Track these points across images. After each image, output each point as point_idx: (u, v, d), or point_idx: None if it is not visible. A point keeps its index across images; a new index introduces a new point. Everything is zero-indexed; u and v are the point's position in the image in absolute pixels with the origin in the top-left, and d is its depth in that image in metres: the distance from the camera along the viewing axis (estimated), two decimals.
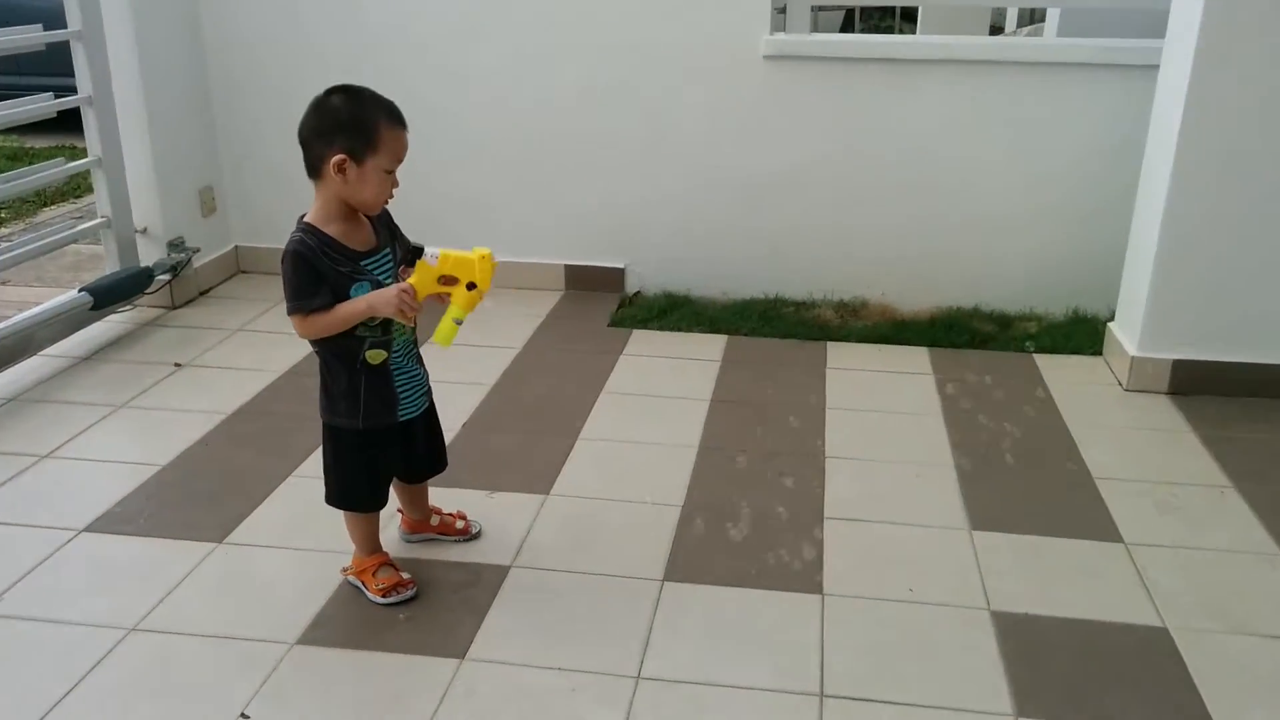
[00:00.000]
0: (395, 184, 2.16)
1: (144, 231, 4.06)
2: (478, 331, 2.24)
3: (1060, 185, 3.96)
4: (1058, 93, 3.86)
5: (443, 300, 2.20)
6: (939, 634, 2.31)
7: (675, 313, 4.07)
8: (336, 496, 2.37)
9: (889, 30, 10.86)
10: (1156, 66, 3.51)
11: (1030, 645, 2.27)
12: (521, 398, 3.42)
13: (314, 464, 2.94)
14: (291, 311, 2.14)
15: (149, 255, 4.06)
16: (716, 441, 3.13)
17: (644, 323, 4.01)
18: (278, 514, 2.74)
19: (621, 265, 4.31)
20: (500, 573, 2.50)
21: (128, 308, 4.00)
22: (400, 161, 2.14)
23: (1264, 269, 3.32)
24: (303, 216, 2.18)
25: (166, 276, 4.05)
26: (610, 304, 4.20)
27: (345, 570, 2.45)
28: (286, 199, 3.92)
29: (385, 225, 2.25)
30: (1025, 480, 2.95)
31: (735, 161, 4.09)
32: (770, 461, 3.02)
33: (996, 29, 9.14)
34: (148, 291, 3.98)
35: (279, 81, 4.21)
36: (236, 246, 4.52)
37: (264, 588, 2.45)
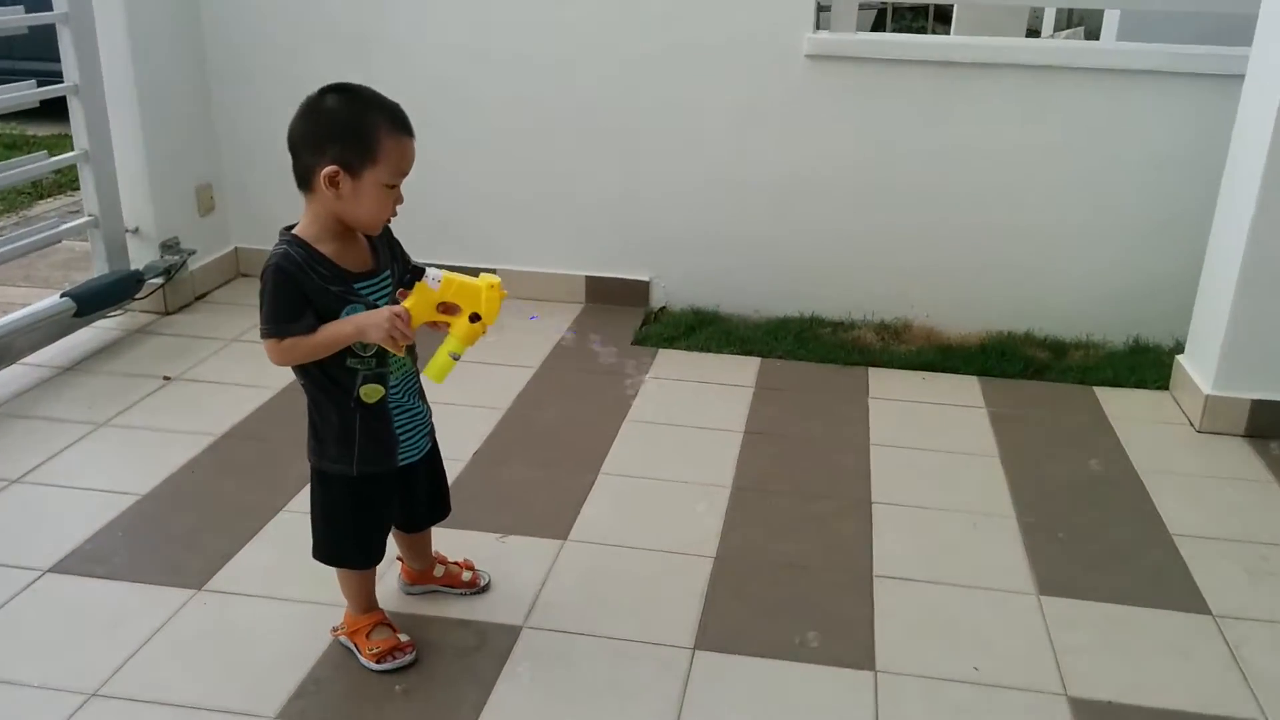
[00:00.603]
0: (399, 200, 1.87)
1: (135, 231, 3.78)
2: (492, 348, 1.97)
3: (1122, 202, 3.66)
4: (1121, 101, 3.55)
5: (439, 329, 1.92)
6: None
7: (704, 331, 3.78)
8: (326, 551, 2.09)
9: (921, 31, 10.53)
10: (1233, 76, 3.22)
11: None
12: (537, 425, 3.13)
13: (308, 498, 2.67)
14: (266, 335, 1.86)
15: (141, 257, 3.79)
16: (751, 481, 2.84)
17: (670, 341, 3.72)
18: (264, 556, 2.46)
19: (647, 278, 4.02)
20: (510, 634, 2.21)
21: (118, 312, 3.73)
22: (404, 175, 1.85)
23: None
24: (289, 227, 1.90)
25: (159, 280, 3.78)
26: (634, 319, 3.91)
27: (336, 630, 2.17)
28: (293, 197, 3.66)
29: (386, 244, 1.97)
30: (1094, 535, 2.65)
31: (772, 167, 3.80)
32: (811, 506, 2.73)
33: (1033, 32, 8.85)
34: (137, 297, 3.71)
35: (285, 66, 3.91)
36: (237, 248, 4.24)
37: (245, 646, 2.17)
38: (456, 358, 1.89)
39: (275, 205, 4.15)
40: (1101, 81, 3.55)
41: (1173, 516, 2.74)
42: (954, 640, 2.25)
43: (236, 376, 3.37)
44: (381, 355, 1.92)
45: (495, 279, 1.87)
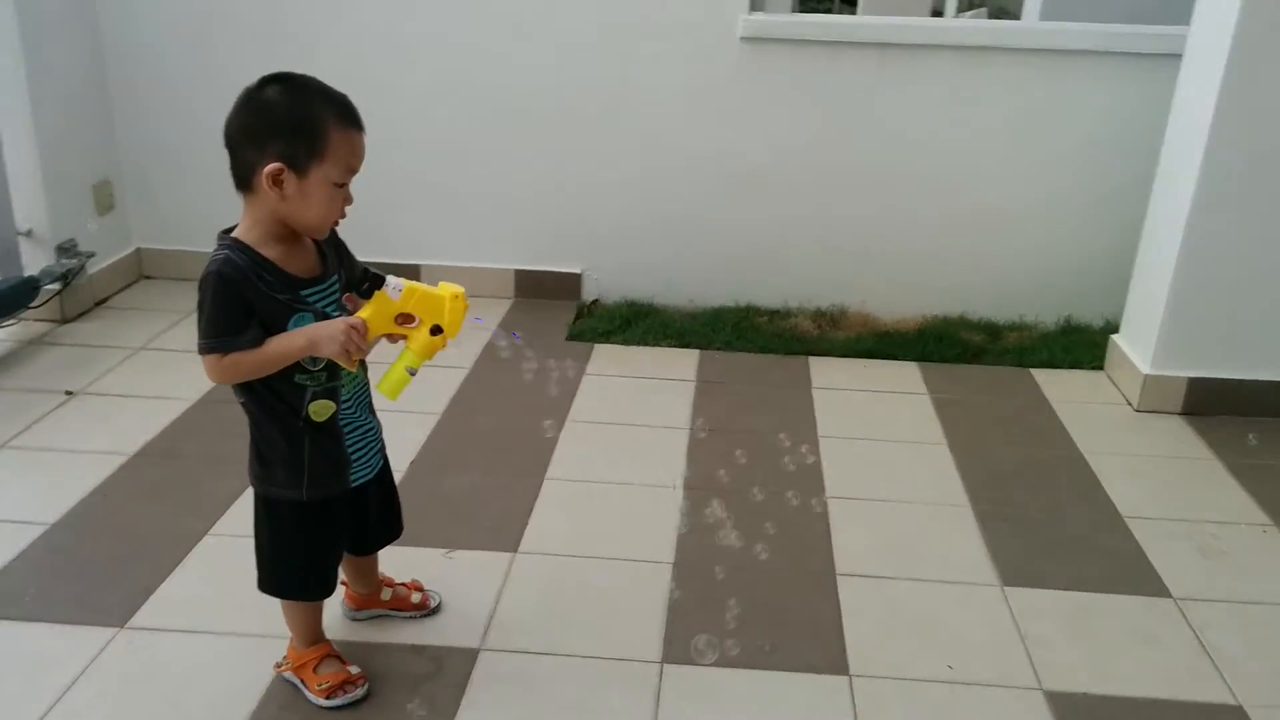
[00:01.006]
0: (348, 200, 1.73)
1: (28, 234, 3.52)
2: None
3: (1055, 182, 3.66)
4: (1056, 82, 3.55)
5: (395, 341, 1.78)
6: None
7: (640, 324, 3.68)
8: (274, 583, 1.93)
9: (826, 12, 10.54)
10: (1169, 55, 3.23)
11: None
12: (476, 429, 2.99)
13: (236, 519, 2.51)
14: (206, 350, 1.69)
15: (35, 261, 3.53)
16: (703, 480, 2.76)
17: (606, 335, 3.61)
18: (193, 586, 2.29)
19: (578, 270, 3.90)
20: (468, 658, 2.09)
21: (11, 322, 3.47)
22: (354, 172, 1.70)
23: None
24: (227, 231, 1.73)
25: (56, 286, 3.52)
26: (566, 314, 3.79)
27: (280, 665, 2.01)
28: (198, 193, 3.46)
29: (333, 248, 1.81)
30: (1050, 522, 2.63)
31: (704, 154, 3.71)
32: (767, 504, 2.65)
33: (936, 13, 8.91)
34: (32, 305, 3.45)
35: (187, 55, 3.67)
36: (139, 249, 3.98)
37: (178, 688, 1.99)
38: (414, 373, 1.75)
39: (181, 202, 3.96)
40: (1036, 62, 3.54)
41: (1122, 499, 2.74)
42: (924, 638, 2.20)
43: (146, 388, 3.15)
44: (333, 369, 1.77)
45: (459, 289, 1.74)
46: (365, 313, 1.71)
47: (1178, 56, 3.15)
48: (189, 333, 3.48)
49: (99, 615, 2.17)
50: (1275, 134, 2.90)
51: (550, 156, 3.76)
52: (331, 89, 1.69)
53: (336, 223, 1.73)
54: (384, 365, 1.78)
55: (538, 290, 3.90)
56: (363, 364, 1.84)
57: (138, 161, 3.86)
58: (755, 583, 2.35)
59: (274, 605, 1.99)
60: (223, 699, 1.96)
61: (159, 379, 3.20)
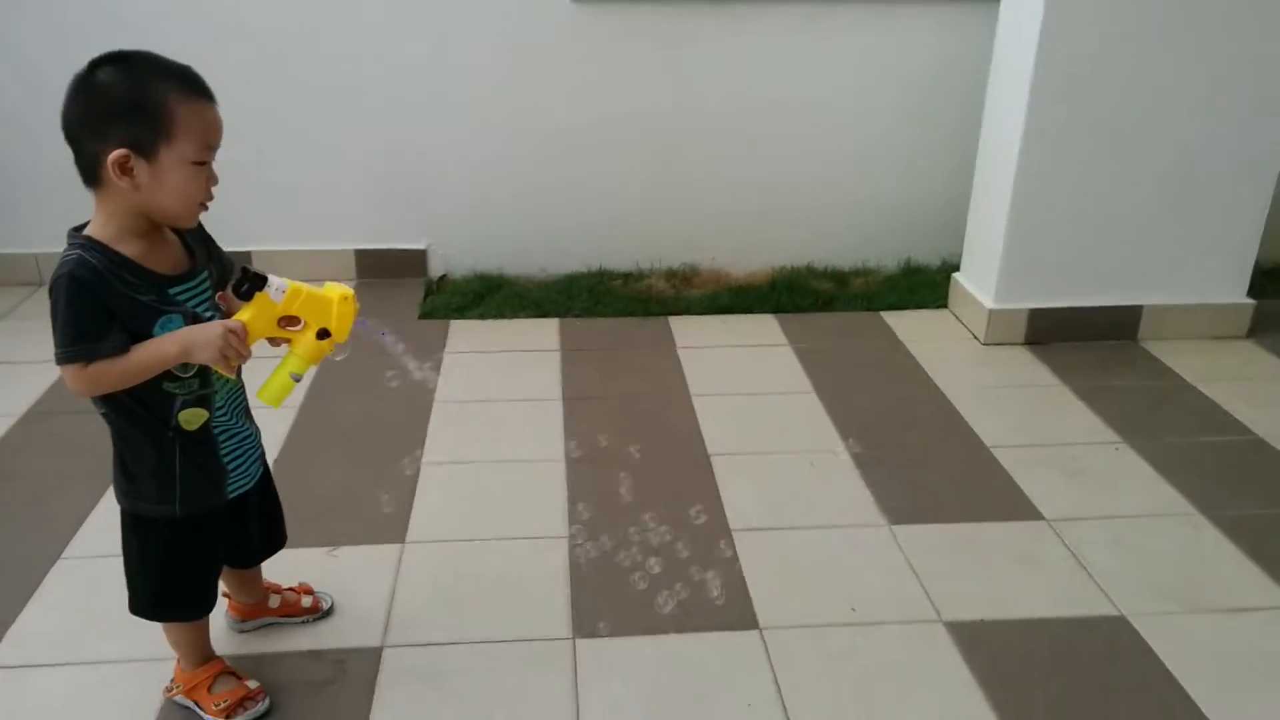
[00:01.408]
0: (212, 179, 1.58)
1: None
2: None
3: (888, 131, 3.77)
4: (884, 31, 3.63)
5: (277, 345, 1.66)
6: (900, 661, 2.01)
7: (493, 297, 3.59)
8: (149, 605, 1.78)
9: None
10: None
11: (997, 659, 2.01)
12: (339, 419, 2.86)
13: (90, 539, 2.33)
14: (65, 360, 1.53)
15: None
16: (584, 450, 2.71)
17: (460, 311, 3.51)
18: (54, 616, 2.10)
19: (422, 246, 3.77)
20: (371, 658, 1.99)
21: None
22: (213, 147, 1.55)
23: (1115, 209, 3.23)
24: (78, 228, 1.57)
25: None
26: (415, 292, 3.66)
27: (169, 689, 1.87)
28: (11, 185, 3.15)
29: (200, 241, 1.67)
30: (922, 459, 2.72)
31: (545, 119, 3.63)
32: (651, 468, 2.64)
33: None
34: None
35: None
36: None
37: None
38: (298, 379, 1.63)
39: None
40: (864, 12, 3.60)
41: (985, 430, 2.85)
42: (824, 584, 2.23)
43: None
44: (205, 375, 1.63)
45: (348, 290, 1.62)
46: (245, 315, 1.57)
47: None
48: (2, 342, 3.21)
49: None
50: (1096, 66, 3.04)
51: (381, 130, 3.61)
52: (171, 61, 1.53)
53: (204, 207, 1.59)
54: (264, 365, 1.66)
55: (381, 270, 3.75)
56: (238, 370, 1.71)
57: None
58: (653, 548, 2.33)
59: (148, 627, 1.84)
60: None
61: None
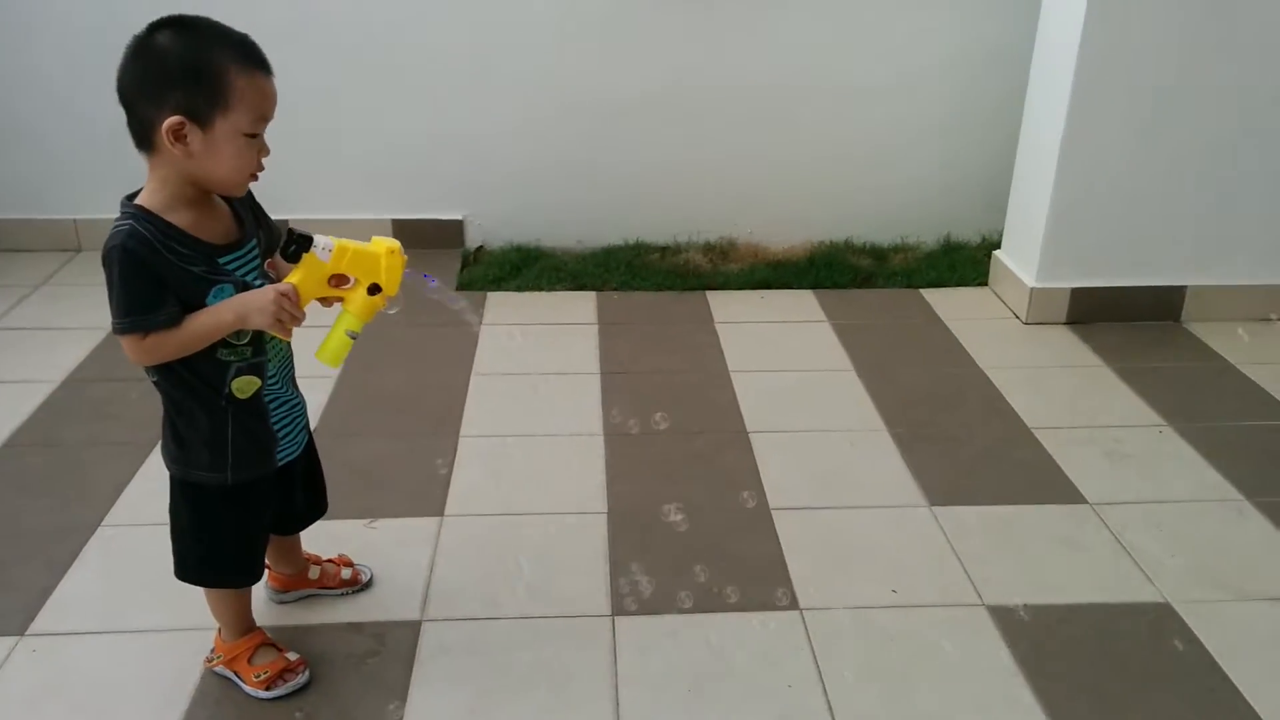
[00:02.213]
0: (264, 151, 1.57)
1: None
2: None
3: (929, 105, 3.71)
4: (925, 4, 3.56)
5: (329, 305, 1.65)
6: (942, 645, 1.99)
7: (530, 268, 3.57)
8: (198, 572, 1.78)
9: None
10: None
11: (1041, 645, 1.99)
12: (379, 389, 2.85)
13: (130, 508, 2.34)
14: (124, 331, 1.52)
15: None
16: (622, 425, 2.70)
17: (497, 283, 3.49)
18: (95, 583, 2.11)
19: (460, 216, 3.75)
20: (411, 631, 1.99)
21: None
22: (267, 119, 1.54)
23: (1160, 189, 3.16)
24: (130, 196, 1.56)
25: None
26: (453, 263, 3.65)
27: (210, 659, 1.88)
28: (34, 157, 3.16)
29: (249, 209, 1.66)
30: (964, 439, 2.69)
31: (582, 90, 3.60)
32: (690, 444, 2.62)
33: None
34: None
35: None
36: None
37: (99, 695, 1.84)
38: (355, 336, 1.62)
39: (12, 166, 3.61)
40: None
41: (1026, 411, 2.81)
42: (865, 565, 2.21)
43: (4, 371, 2.88)
44: (258, 343, 1.63)
45: (394, 243, 1.61)
46: (295, 277, 1.57)
47: None
48: (40, 307, 3.22)
49: None
50: (1143, 43, 2.98)
51: (421, 103, 3.60)
52: (231, 29, 1.53)
53: (254, 178, 1.57)
54: (314, 335, 1.65)
55: (419, 240, 3.71)
56: None
57: None
58: (692, 525, 2.32)
59: (189, 597, 1.85)
60: (151, 701, 1.82)
61: (17, 361, 2.94)
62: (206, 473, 1.67)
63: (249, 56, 1.50)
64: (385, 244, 1.60)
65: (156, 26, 1.47)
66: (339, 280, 1.61)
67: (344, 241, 1.59)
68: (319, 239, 1.57)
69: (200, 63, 1.46)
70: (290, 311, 1.54)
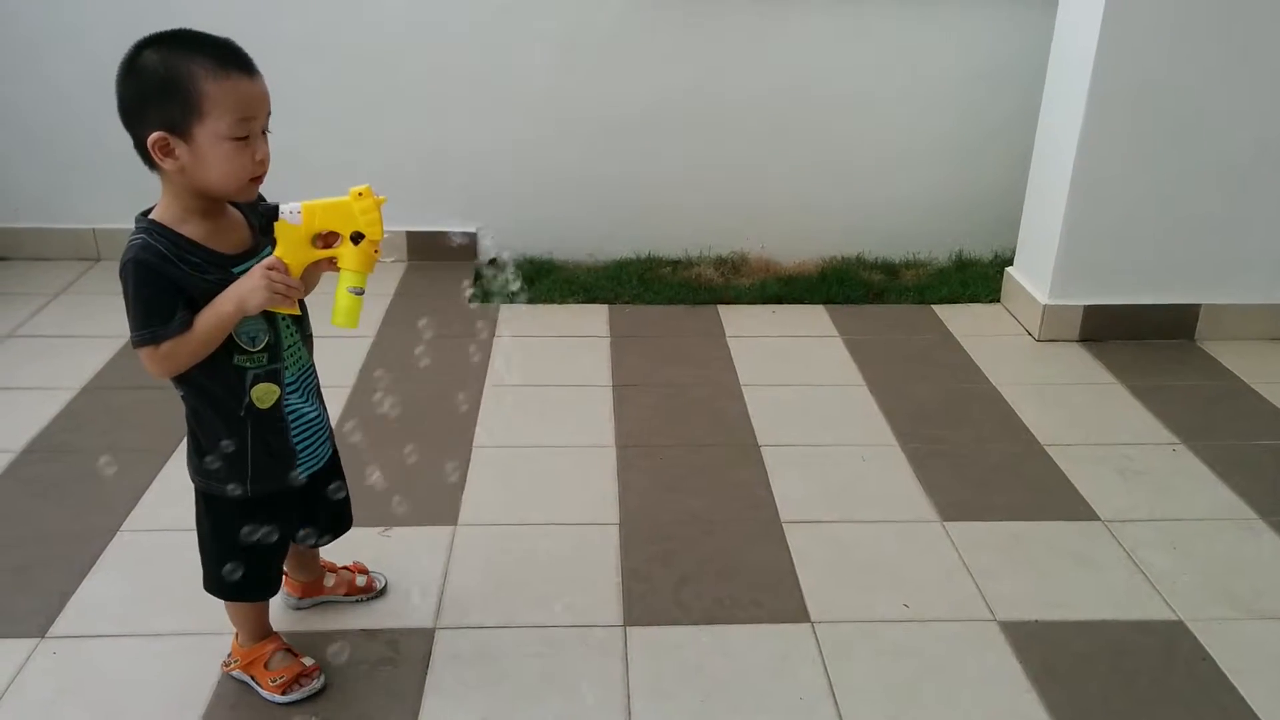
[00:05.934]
0: (261, 151, 1.57)
1: None
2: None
3: (941, 120, 3.73)
4: (939, 17, 3.59)
5: (324, 267, 1.64)
6: (954, 660, 2.00)
7: (543, 281, 3.59)
8: (219, 584, 1.79)
9: None
10: None
11: (1053, 662, 1.99)
12: (392, 401, 2.87)
13: (148, 514, 2.35)
14: (139, 343, 1.55)
15: None
16: (634, 437, 2.71)
17: (510, 295, 3.51)
18: (113, 587, 2.13)
19: (473, 229, 3.77)
20: (424, 639, 2.01)
21: None
22: (254, 119, 1.54)
23: (1174, 206, 3.17)
24: (145, 212, 1.58)
25: None
26: (465, 275, 3.67)
27: (227, 664, 1.89)
28: (50, 167, 3.19)
29: (261, 216, 1.68)
30: (975, 455, 2.69)
31: (594, 104, 3.63)
32: (701, 457, 2.64)
33: None
34: None
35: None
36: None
37: (117, 697, 1.85)
38: (360, 292, 1.59)
39: (31, 176, 3.64)
40: (918, 1, 3.56)
41: (1038, 427, 2.82)
42: (876, 579, 2.22)
43: (25, 378, 2.91)
44: (274, 350, 1.65)
45: (364, 185, 1.57)
46: (278, 250, 1.56)
47: None
48: (61, 316, 3.26)
49: (15, 626, 2.00)
50: (1158, 61, 2.99)
51: (433, 116, 3.63)
52: (207, 36, 1.52)
53: (258, 180, 1.59)
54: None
55: (433, 252, 3.76)
56: (301, 333, 1.72)
57: None
58: (703, 537, 2.33)
59: (207, 601, 1.86)
60: (168, 704, 1.84)
61: (36, 368, 2.96)
62: (226, 484, 1.69)
63: (223, 61, 1.50)
64: (353, 190, 1.57)
65: (141, 46, 1.50)
66: (326, 241, 1.59)
67: (310, 201, 1.57)
68: (284, 206, 1.56)
69: (170, 75, 1.48)
70: (283, 281, 1.54)
